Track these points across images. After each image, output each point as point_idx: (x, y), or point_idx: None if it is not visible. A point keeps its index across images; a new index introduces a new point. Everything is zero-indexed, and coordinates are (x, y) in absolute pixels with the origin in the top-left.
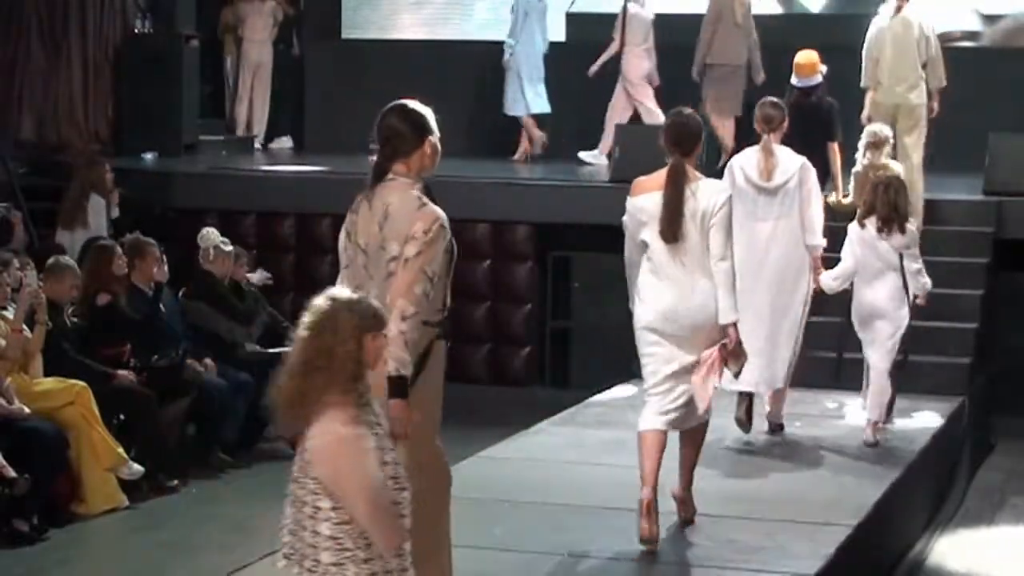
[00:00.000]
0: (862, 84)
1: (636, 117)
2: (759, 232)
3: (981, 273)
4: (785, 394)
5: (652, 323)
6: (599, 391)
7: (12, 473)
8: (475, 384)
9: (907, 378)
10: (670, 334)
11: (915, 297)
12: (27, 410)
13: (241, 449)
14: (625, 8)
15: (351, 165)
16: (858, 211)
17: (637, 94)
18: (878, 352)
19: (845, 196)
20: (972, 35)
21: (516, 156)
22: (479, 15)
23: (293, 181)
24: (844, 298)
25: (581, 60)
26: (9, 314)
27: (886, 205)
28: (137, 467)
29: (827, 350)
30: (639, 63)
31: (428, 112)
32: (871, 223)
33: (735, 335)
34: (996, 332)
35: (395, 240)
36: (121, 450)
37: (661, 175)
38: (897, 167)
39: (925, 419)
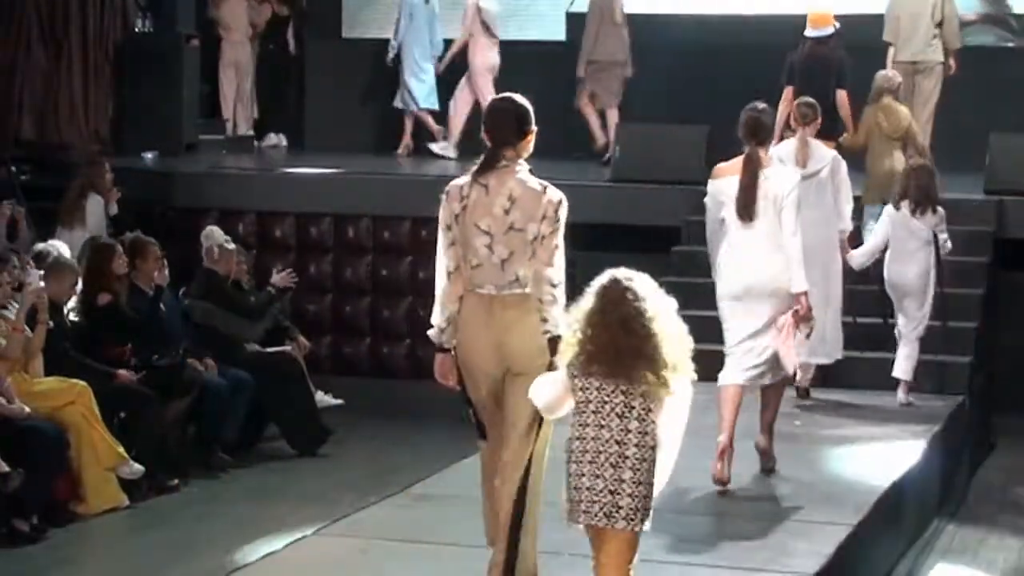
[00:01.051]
0: (884, 38)
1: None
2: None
3: (981, 272)
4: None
5: (732, 293)
6: None
7: (5, 468)
8: None
9: None
10: (747, 302)
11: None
12: (27, 409)
13: (241, 449)
14: (475, 1)
15: (351, 165)
16: (893, 196)
17: (479, 85)
18: (909, 324)
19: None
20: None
21: (399, 150)
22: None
23: (293, 181)
24: None
25: None
26: (10, 313)
27: (918, 190)
28: (137, 467)
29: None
30: (485, 54)
31: (529, 105)
32: (905, 206)
33: (806, 302)
34: (996, 331)
35: (531, 222)
36: (121, 449)
37: (739, 161)
38: (902, 109)
39: (925, 418)
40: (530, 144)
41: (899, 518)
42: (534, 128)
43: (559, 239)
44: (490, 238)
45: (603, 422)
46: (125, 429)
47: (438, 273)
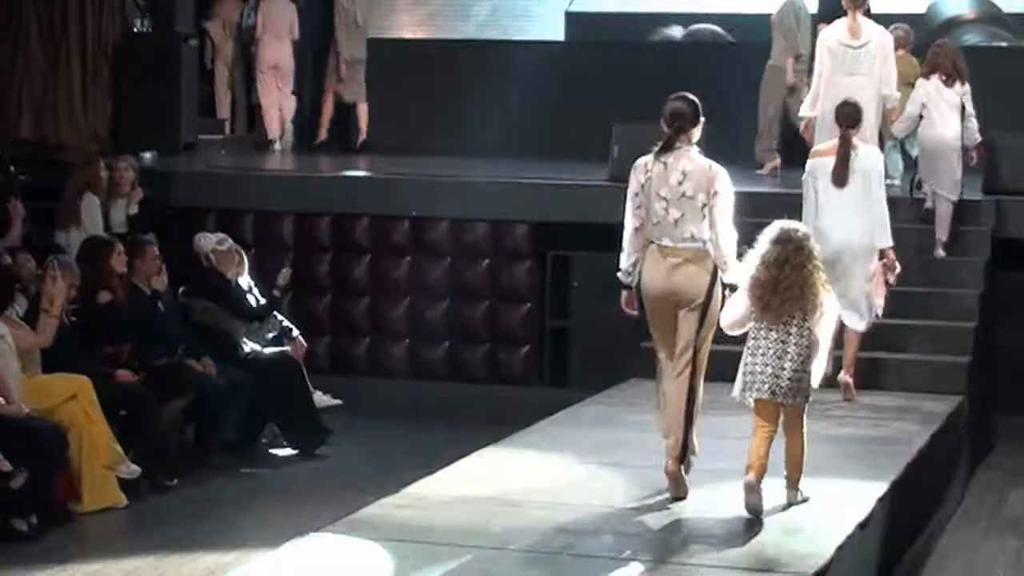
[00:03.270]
0: None
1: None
2: (848, 85)
3: (981, 272)
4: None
5: (827, 250)
6: (598, 390)
7: (8, 467)
8: (474, 383)
9: (907, 377)
10: (841, 256)
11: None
12: (26, 409)
13: (240, 449)
14: None
15: (351, 165)
16: (923, 71)
17: (280, 81)
18: (946, 182)
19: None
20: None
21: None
22: (478, 15)
23: (293, 181)
24: None
25: (581, 59)
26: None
27: (950, 64)
28: (135, 467)
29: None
30: (276, 49)
31: (698, 101)
32: (936, 77)
33: (892, 255)
34: (996, 331)
35: (701, 192)
36: (119, 448)
37: (834, 143)
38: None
39: (925, 418)
40: (699, 131)
41: (899, 518)
42: (702, 119)
43: (725, 205)
44: (667, 203)
45: (771, 327)
46: (124, 429)
47: (626, 228)
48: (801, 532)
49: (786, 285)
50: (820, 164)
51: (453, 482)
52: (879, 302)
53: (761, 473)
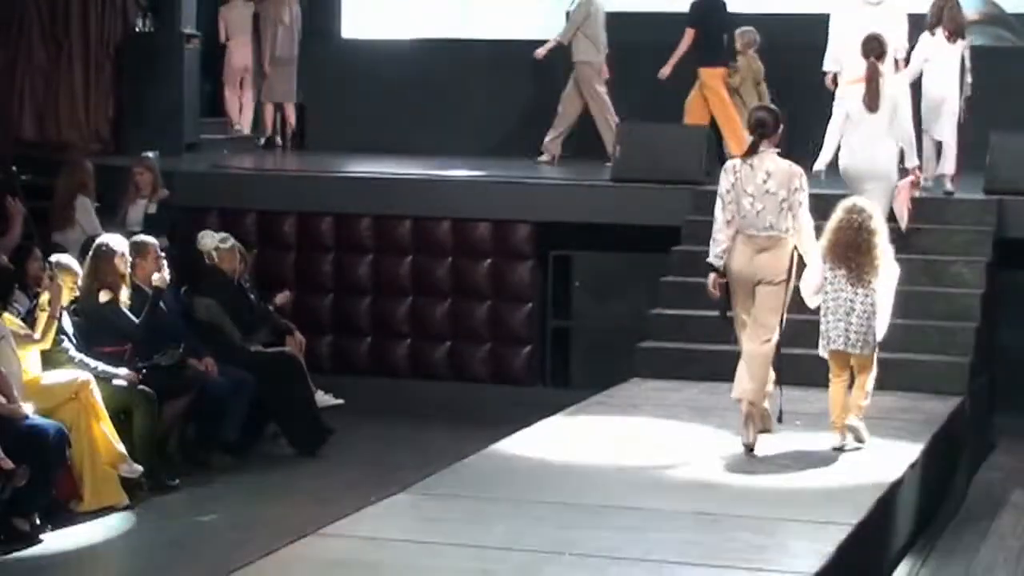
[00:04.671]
0: None
1: None
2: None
3: (982, 272)
4: None
5: (849, 170)
6: (599, 390)
7: (10, 464)
8: (475, 383)
9: (907, 377)
10: (864, 176)
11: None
12: (28, 410)
13: (241, 449)
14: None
15: (350, 165)
16: (927, 24)
17: (247, 82)
18: (947, 127)
19: None
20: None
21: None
22: (478, 15)
23: (293, 181)
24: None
25: None
26: (20, 308)
27: (951, 20)
28: (137, 466)
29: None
30: (243, 54)
31: (778, 110)
32: (940, 32)
33: (918, 173)
34: (997, 331)
35: (782, 188)
36: (122, 447)
37: (862, 74)
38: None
39: (925, 418)
40: (778, 137)
41: (899, 518)
42: (781, 126)
43: (803, 199)
44: (753, 198)
45: (841, 289)
46: (125, 428)
47: (717, 221)
48: (801, 532)
49: (856, 246)
50: (851, 91)
51: (453, 482)
52: (904, 215)
53: (842, 420)
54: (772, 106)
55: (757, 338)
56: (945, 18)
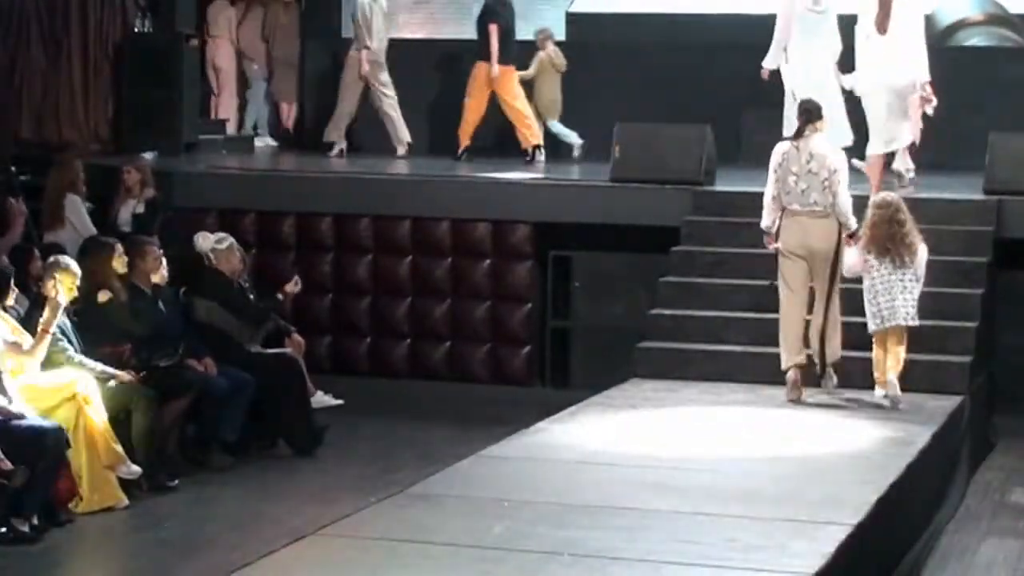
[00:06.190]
0: None
1: None
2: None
3: (981, 272)
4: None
5: (867, 90)
6: (598, 391)
7: (9, 465)
8: (475, 383)
9: (907, 377)
10: (883, 93)
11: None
12: (26, 410)
13: (241, 449)
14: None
15: (350, 164)
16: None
17: (227, 80)
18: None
19: None
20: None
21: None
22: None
23: (293, 181)
24: None
25: (581, 59)
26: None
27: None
28: (135, 467)
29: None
30: (225, 51)
31: (821, 103)
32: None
33: (931, 88)
34: (996, 331)
35: (824, 168)
36: (120, 448)
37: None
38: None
39: (925, 418)
40: (823, 123)
41: (899, 518)
42: (824, 116)
43: (843, 177)
44: (797, 177)
45: (884, 271)
46: (124, 429)
47: (766, 195)
48: (801, 532)
49: (891, 236)
50: (866, 7)
51: (453, 482)
52: (916, 131)
53: (885, 377)
54: (817, 99)
55: (831, 303)
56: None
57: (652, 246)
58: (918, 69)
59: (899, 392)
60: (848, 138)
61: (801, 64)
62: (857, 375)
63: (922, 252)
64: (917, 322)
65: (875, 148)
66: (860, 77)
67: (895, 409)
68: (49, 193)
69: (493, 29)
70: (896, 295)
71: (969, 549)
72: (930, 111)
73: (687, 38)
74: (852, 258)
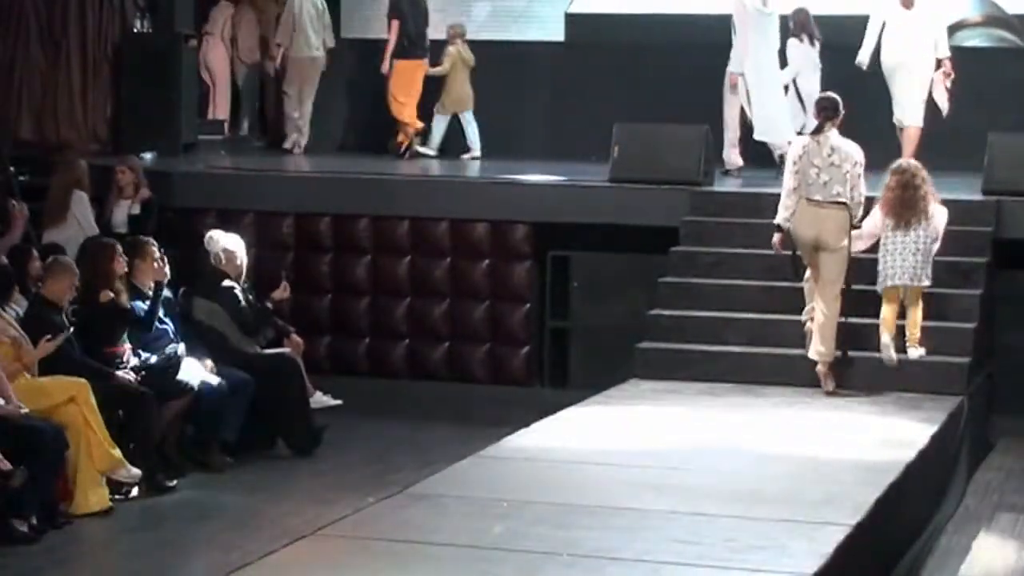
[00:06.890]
0: None
1: None
2: None
3: (980, 273)
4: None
5: (889, 65)
6: (598, 391)
7: (8, 466)
8: (474, 383)
9: (906, 377)
10: (897, 69)
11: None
12: (24, 409)
13: (240, 449)
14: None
15: (350, 165)
16: None
17: (219, 80)
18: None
19: None
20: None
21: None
22: (478, 15)
23: (292, 181)
24: None
25: (581, 60)
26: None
27: None
28: (135, 470)
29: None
30: (220, 53)
31: (839, 97)
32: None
33: (949, 63)
34: (995, 331)
35: (845, 162)
36: (118, 453)
37: None
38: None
39: (925, 419)
40: (839, 120)
41: (898, 518)
42: (842, 111)
43: (860, 170)
44: (818, 170)
45: (904, 234)
46: (123, 429)
47: (785, 187)
48: (801, 532)
49: (908, 199)
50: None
51: (453, 482)
52: (945, 103)
53: (892, 334)
54: (834, 95)
55: (823, 303)
56: None
57: (651, 246)
58: (940, 44)
59: (922, 350)
60: (789, 134)
61: (754, 62)
62: (857, 375)
63: (939, 214)
64: (928, 282)
65: (914, 120)
66: (886, 52)
67: (904, 369)
68: (54, 189)
69: (394, 25)
70: (907, 256)
71: (968, 549)
72: (949, 85)
73: (686, 38)
74: (868, 225)
